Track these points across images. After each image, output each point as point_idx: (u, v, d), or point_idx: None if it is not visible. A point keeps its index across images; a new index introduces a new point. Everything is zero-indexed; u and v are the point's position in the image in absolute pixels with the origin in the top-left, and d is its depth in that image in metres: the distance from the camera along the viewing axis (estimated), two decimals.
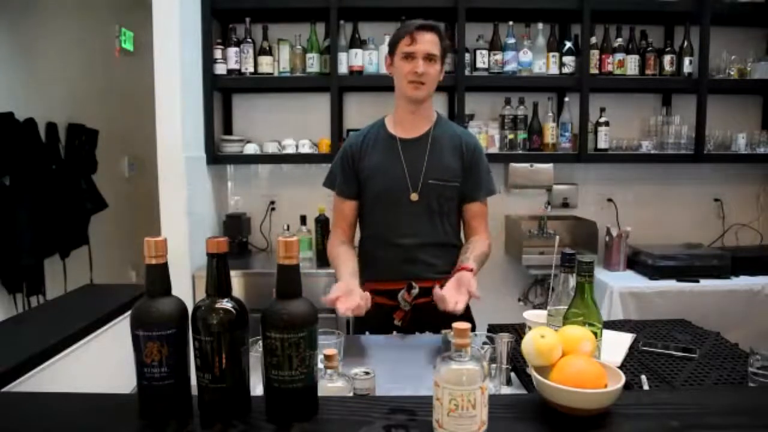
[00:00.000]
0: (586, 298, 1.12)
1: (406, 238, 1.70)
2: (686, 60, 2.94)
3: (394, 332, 1.64)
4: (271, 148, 3.01)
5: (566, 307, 1.15)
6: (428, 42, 1.64)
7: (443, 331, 1.31)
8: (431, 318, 1.61)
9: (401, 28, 1.69)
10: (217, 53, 2.87)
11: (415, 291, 1.65)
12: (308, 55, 2.91)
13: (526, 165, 3.04)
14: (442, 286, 1.59)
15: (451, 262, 1.72)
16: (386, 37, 2.85)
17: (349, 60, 2.89)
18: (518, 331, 1.52)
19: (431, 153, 1.71)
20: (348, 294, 1.51)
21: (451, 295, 1.50)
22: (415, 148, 1.72)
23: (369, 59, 2.89)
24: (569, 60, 2.93)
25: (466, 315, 1.75)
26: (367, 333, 1.63)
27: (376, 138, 1.77)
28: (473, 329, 1.60)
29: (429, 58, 1.64)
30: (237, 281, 2.64)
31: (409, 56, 1.64)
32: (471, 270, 1.60)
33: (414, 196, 1.69)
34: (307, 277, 2.63)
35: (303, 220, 2.93)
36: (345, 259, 1.70)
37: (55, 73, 3.25)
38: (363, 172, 1.74)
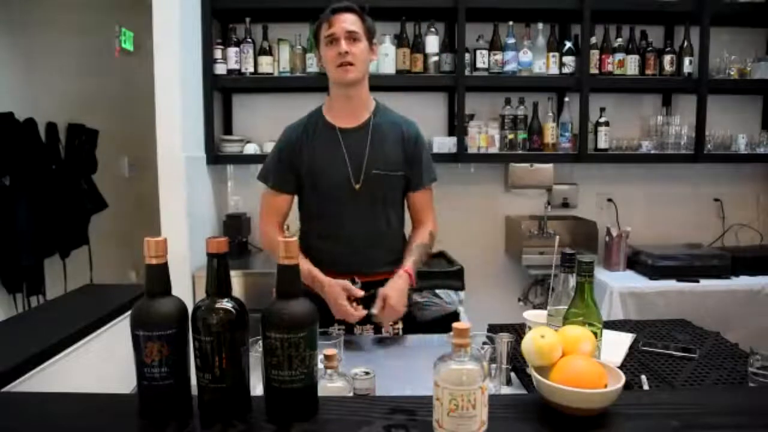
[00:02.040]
0: (586, 298, 1.12)
1: (350, 230, 1.68)
2: (686, 60, 2.94)
3: (336, 325, 1.59)
4: (271, 148, 3.00)
5: (566, 307, 1.15)
6: (347, 21, 1.61)
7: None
8: (371, 309, 1.61)
9: (320, 18, 1.66)
10: (217, 53, 2.87)
11: (358, 285, 1.63)
12: (308, 55, 2.90)
13: (526, 165, 3.04)
14: (384, 282, 1.63)
15: (396, 254, 1.73)
16: (386, 37, 2.85)
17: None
18: (518, 331, 1.53)
19: (372, 142, 1.68)
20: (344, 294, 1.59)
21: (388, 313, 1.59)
22: (356, 138, 1.69)
23: None
24: (569, 60, 2.92)
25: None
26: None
27: (315, 129, 1.73)
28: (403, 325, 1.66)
29: (351, 37, 1.61)
30: (237, 281, 2.64)
31: (331, 40, 1.62)
32: (409, 274, 1.64)
33: (357, 187, 1.66)
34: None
35: None
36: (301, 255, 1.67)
37: (55, 73, 3.25)
38: (303, 164, 1.70)
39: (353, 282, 1.64)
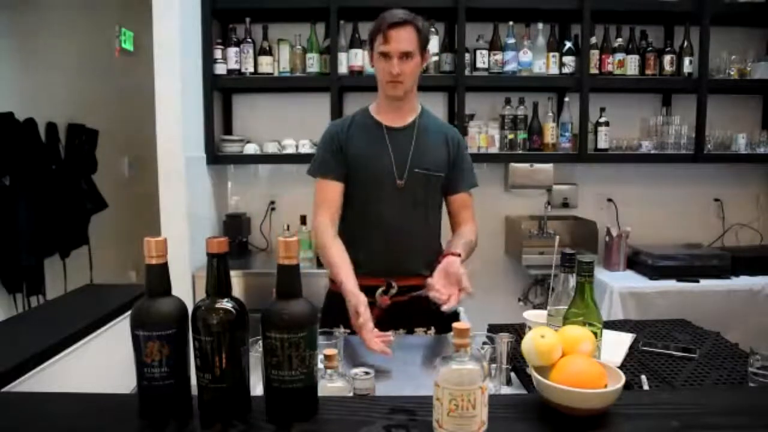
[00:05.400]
0: (586, 298, 1.12)
1: (389, 227, 1.68)
2: (686, 60, 2.94)
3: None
4: (271, 148, 3.01)
5: (566, 307, 1.15)
6: (403, 40, 1.61)
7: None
8: (406, 316, 1.62)
9: (377, 22, 1.64)
10: (217, 53, 2.87)
11: (394, 290, 1.64)
12: (308, 55, 2.90)
13: (526, 165, 3.03)
14: (420, 287, 1.57)
15: (432, 257, 1.72)
16: None
17: (349, 60, 2.89)
18: (518, 331, 1.53)
19: (417, 142, 1.71)
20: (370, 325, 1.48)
21: (444, 286, 1.47)
22: (402, 137, 1.72)
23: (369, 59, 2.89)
24: (569, 60, 2.93)
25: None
26: (341, 327, 1.57)
27: (361, 124, 1.75)
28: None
29: (404, 55, 1.62)
30: (237, 281, 2.64)
31: (384, 55, 1.63)
32: (458, 255, 1.56)
33: (400, 183, 1.68)
34: (307, 277, 2.62)
35: (303, 220, 2.93)
36: (342, 256, 1.62)
37: (55, 73, 3.25)
38: (348, 157, 1.71)
39: (389, 286, 1.63)
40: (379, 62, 1.65)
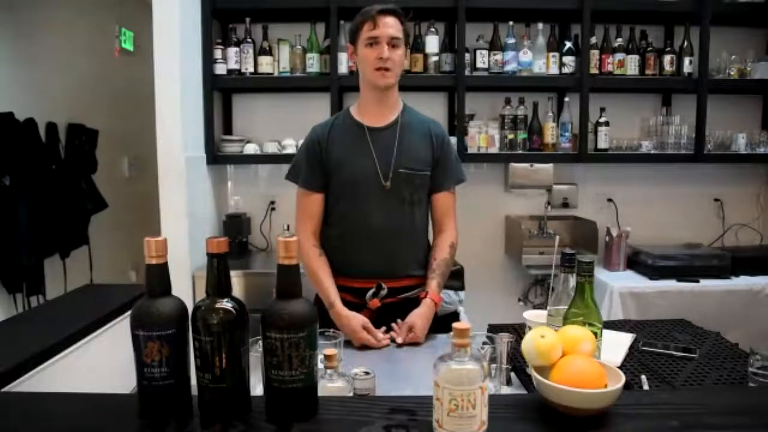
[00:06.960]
0: (586, 298, 1.12)
1: (377, 228, 1.66)
2: (686, 60, 2.94)
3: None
4: (271, 148, 3.01)
5: (566, 307, 1.15)
6: (391, 26, 1.60)
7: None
8: (396, 318, 1.62)
9: (361, 14, 1.64)
10: (217, 53, 2.87)
11: (384, 292, 1.64)
12: (308, 55, 2.90)
13: (526, 165, 3.03)
14: (410, 288, 1.68)
15: (420, 256, 1.74)
16: None
17: (349, 60, 2.89)
18: (518, 331, 1.53)
19: (401, 141, 1.68)
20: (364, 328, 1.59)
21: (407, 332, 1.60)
22: (384, 137, 1.69)
23: None
24: (569, 60, 2.92)
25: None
26: (332, 331, 1.62)
27: (342, 127, 1.73)
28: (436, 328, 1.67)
29: (393, 42, 1.61)
30: (237, 281, 2.64)
31: (373, 42, 1.60)
32: (435, 302, 1.66)
33: (386, 185, 1.65)
34: (307, 277, 2.62)
35: None
36: (329, 278, 1.68)
37: (55, 73, 3.25)
38: (330, 162, 1.68)
39: (380, 288, 1.64)
40: (367, 50, 1.62)
